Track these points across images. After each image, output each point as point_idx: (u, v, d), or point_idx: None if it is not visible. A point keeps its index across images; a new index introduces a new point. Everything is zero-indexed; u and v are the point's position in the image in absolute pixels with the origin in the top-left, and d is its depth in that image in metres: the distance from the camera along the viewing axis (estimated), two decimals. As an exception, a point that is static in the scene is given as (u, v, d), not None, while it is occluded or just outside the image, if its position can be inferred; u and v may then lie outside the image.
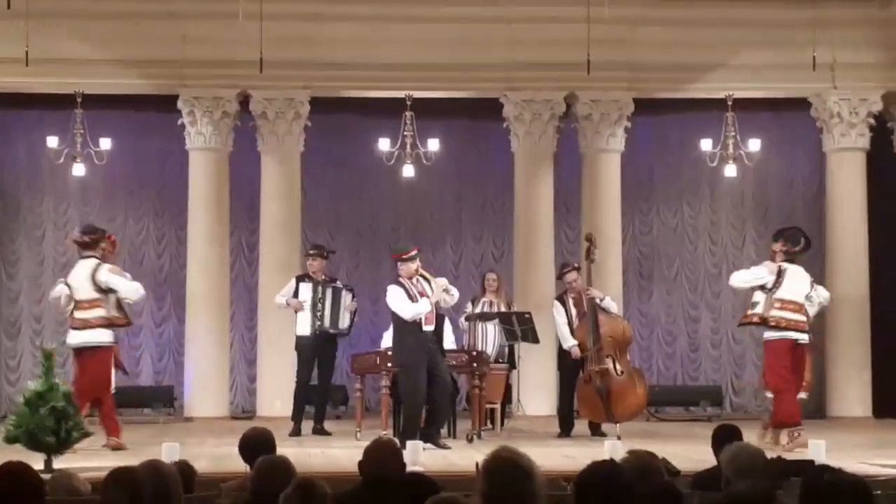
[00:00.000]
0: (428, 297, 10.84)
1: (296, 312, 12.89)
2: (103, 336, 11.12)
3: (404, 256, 11.06)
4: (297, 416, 12.73)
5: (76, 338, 11.15)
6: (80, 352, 11.13)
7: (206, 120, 15.12)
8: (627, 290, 15.74)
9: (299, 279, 13.06)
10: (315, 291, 12.87)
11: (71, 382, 10.69)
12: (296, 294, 12.91)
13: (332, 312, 12.87)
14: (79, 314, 11.10)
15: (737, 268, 16.39)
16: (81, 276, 11.14)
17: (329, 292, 12.91)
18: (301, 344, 12.90)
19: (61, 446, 9.16)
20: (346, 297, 12.99)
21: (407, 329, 10.87)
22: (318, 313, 12.83)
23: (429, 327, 11.01)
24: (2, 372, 16.05)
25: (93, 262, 11.16)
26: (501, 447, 4.33)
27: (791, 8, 15.02)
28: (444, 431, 11.61)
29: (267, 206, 15.30)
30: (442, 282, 11.08)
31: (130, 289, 11.25)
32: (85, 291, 11.10)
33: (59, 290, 11.31)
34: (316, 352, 12.92)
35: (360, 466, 5.21)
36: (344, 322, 12.95)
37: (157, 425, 13.90)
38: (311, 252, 13.33)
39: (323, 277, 13.05)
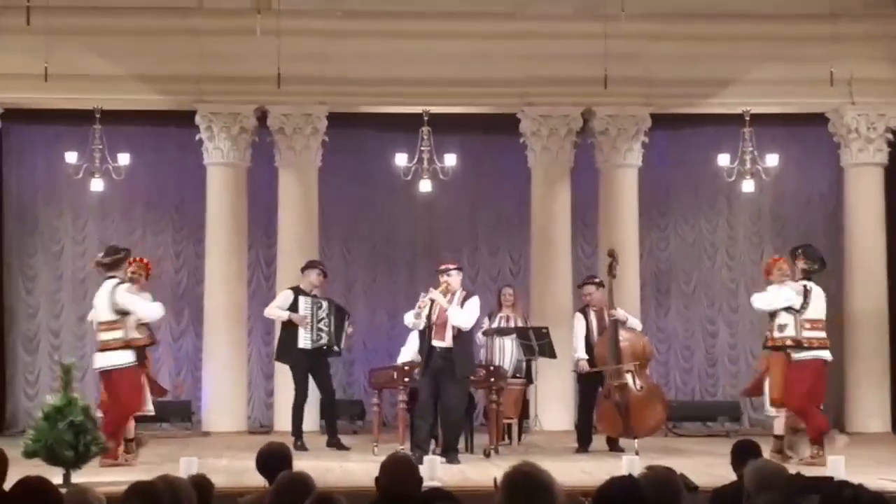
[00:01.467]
0: (417, 310, 11.19)
1: (288, 324, 12.90)
2: (124, 357, 10.98)
3: (437, 269, 11.59)
4: (300, 431, 12.70)
5: (98, 361, 11.12)
6: (106, 374, 11.06)
7: (224, 135, 15.17)
8: (645, 305, 15.71)
9: (296, 292, 13.04)
10: (317, 306, 12.86)
11: (98, 406, 10.80)
12: (294, 307, 12.91)
13: (336, 331, 12.90)
14: (100, 336, 11.11)
15: (755, 283, 16.39)
16: (102, 298, 11.09)
17: (333, 309, 12.94)
18: (301, 358, 12.88)
19: (80, 460, 9.18)
20: (346, 321, 13.06)
21: (424, 339, 11.31)
22: (326, 328, 12.83)
23: (438, 342, 11.13)
24: (21, 386, 16.09)
25: (112, 282, 11.08)
26: (522, 462, 4.33)
27: (808, 23, 15.01)
28: (461, 446, 11.63)
29: (284, 221, 15.34)
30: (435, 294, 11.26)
31: (146, 310, 11.18)
32: (104, 313, 11.06)
33: (91, 313, 11.35)
34: (310, 366, 12.93)
35: (377, 482, 5.21)
36: (342, 342, 13.04)
37: (175, 440, 13.90)
38: (315, 266, 13.27)
39: (314, 292, 13.07)
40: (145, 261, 11.95)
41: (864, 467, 9.81)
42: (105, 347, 11.00)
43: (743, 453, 6.35)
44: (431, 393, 11.09)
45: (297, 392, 12.89)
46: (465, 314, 11.17)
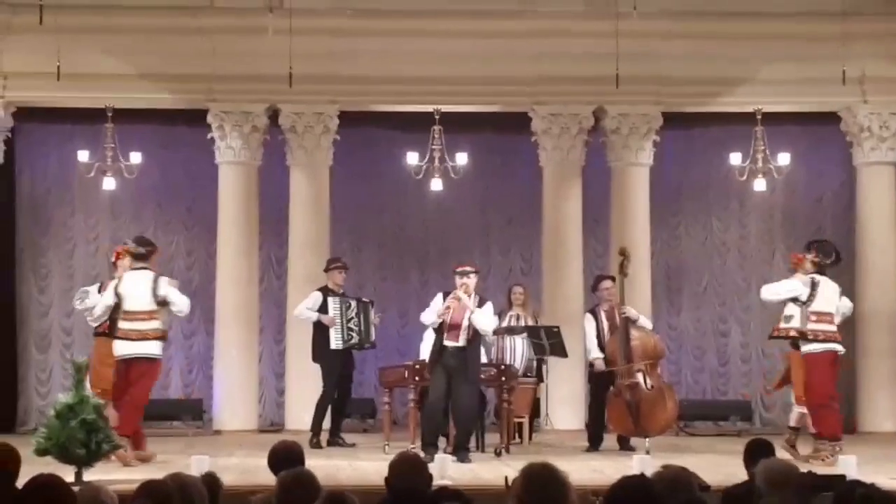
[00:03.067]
0: (442, 311, 11.12)
1: (320, 324, 12.95)
2: (157, 348, 11.02)
3: (454, 269, 11.53)
4: (319, 428, 12.76)
5: (129, 348, 10.95)
6: (132, 363, 10.95)
7: (236, 134, 15.19)
8: (656, 304, 15.69)
9: (324, 292, 13.08)
10: (346, 306, 12.90)
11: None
12: (323, 308, 12.95)
13: (366, 327, 12.96)
14: (134, 325, 10.97)
15: (767, 282, 16.38)
16: (141, 288, 11.00)
17: (360, 307, 12.99)
18: (331, 358, 12.93)
19: (91, 458, 9.19)
20: (372, 312, 13.11)
21: (435, 338, 11.27)
22: (356, 328, 12.88)
23: (451, 342, 11.12)
24: (32, 384, 16.13)
25: (150, 273, 11.09)
26: (540, 460, 4.36)
27: (820, 22, 14.98)
28: (472, 445, 11.63)
29: (296, 220, 15.35)
30: (461, 295, 11.23)
31: (184, 302, 11.19)
32: (144, 302, 10.98)
33: (99, 300, 11.23)
34: (341, 366, 12.98)
35: (387, 481, 5.21)
36: (373, 336, 13.09)
37: (186, 438, 13.93)
38: (337, 265, 13.32)
39: (342, 291, 13.14)
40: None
41: (876, 466, 9.80)
42: (142, 337, 10.91)
43: (756, 452, 6.35)
44: (443, 392, 11.10)
45: (325, 391, 12.95)
46: (488, 319, 11.22)
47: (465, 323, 11.11)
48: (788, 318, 11.29)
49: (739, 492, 5.96)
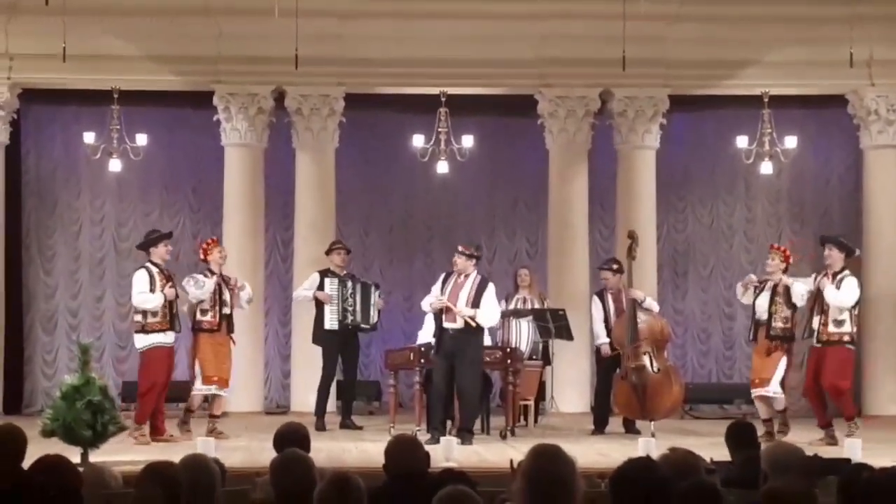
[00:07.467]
0: (441, 297, 11.28)
1: (320, 305, 12.98)
2: (136, 341, 11.91)
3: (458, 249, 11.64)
4: (323, 410, 12.81)
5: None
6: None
7: (242, 116, 15.17)
8: (662, 288, 15.68)
9: (323, 274, 13.15)
10: (343, 286, 12.95)
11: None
12: (321, 290, 13.01)
13: (363, 308, 12.98)
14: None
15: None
16: None
17: (359, 287, 13.02)
18: (328, 339, 12.99)
19: (97, 439, 9.23)
20: (375, 294, 13.12)
21: (435, 321, 11.43)
22: (350, 308, 12.92)
23: (450, 324, 11.17)
24: (38, 366, 16.15)
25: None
26: (548, 442, 4.38)
27: (828, 4, 14.91)
28: (477, 428, 11.66)
29: (301, 203, 15.34)
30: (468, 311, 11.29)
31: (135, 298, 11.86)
32: None
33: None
34: (339, 347, 13.00)
35: (385, 468, 5.20)
36: (373, 318, 13.10)
37: (192, 420, 13.93)
38: (336, 246, 13.44)
39: (344, 272, 13.18)
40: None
41: (881, 450, 9.80)
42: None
43: (737, 434, 6.37)
44: (445, 374, 11.14)
45: (324, 372, 13.00)
46: (492, 313, 11.44)
47: (461, 304, 11.16)
48: (841, 324, 11.30)
49: (743, 473, 5.95)
